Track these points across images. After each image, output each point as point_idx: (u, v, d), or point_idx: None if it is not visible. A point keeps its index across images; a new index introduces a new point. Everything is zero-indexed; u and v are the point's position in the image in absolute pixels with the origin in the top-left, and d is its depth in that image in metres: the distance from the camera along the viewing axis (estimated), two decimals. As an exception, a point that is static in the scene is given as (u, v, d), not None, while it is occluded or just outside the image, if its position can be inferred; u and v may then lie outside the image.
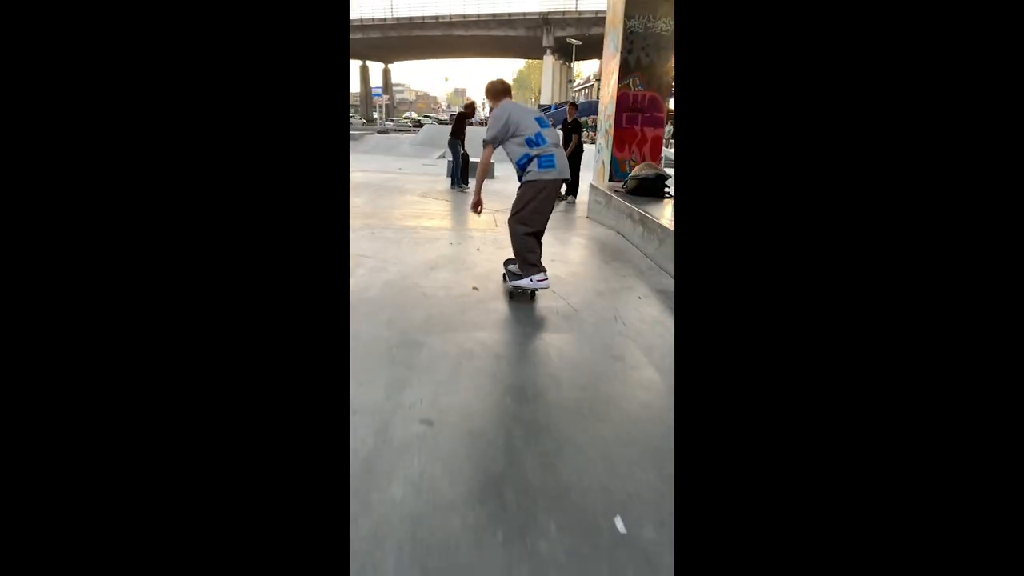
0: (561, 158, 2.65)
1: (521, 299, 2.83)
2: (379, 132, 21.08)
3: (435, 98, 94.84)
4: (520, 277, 2.74)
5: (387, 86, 54.12)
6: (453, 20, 36.90)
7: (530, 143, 2.59)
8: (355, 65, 53.87)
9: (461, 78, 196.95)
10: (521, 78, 71.35)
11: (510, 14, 35.10)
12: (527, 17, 34.72)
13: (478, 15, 36.01)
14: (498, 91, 2.77)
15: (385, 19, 38.93)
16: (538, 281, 2.68)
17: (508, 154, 2.69)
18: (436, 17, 37.37)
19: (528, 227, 2.67)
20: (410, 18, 38.19)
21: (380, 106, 36.81)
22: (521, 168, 2.65)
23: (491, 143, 2.67)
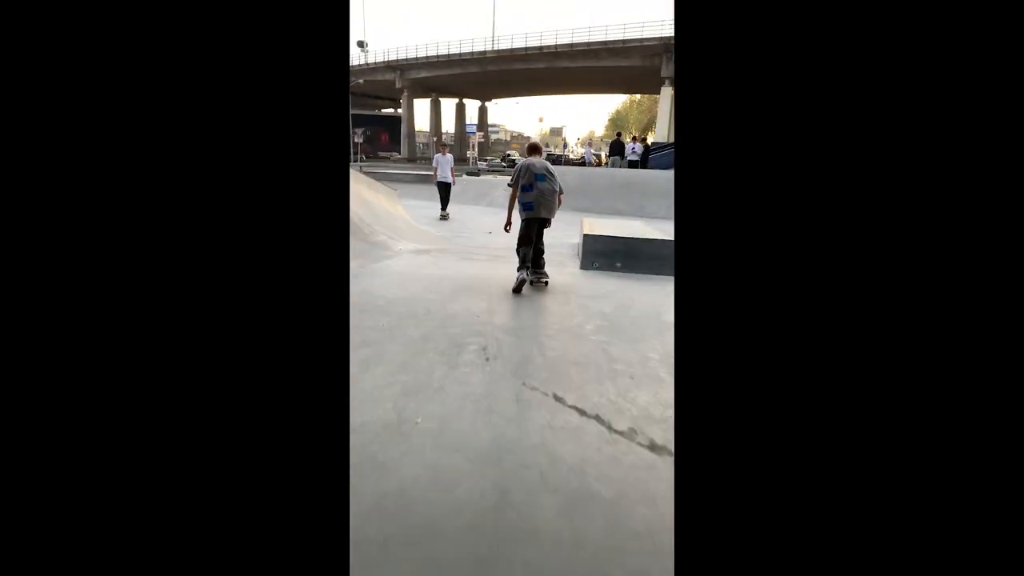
0: (539, 200, 4.00)
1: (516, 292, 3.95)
2: (468, 175, 17.27)
3: (529, 138, 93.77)
4: (520, 274, 4.05)
5: (483, 124, 52.26)
6: (559, 50, 33.71)
7: (523, 188, 4.03)
8: (452, 103, 52.73)
9: (555, 117, 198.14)
10: (618, 117, 67.28)
11: (625, 41, 31.18)
12: (644, 44, 30.52)
13: (588, 43, 32.46)
14: (532, 149, 4.47)
15: (484, 52, 36.62)
16: (521, 276, 4.04)
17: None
18: (540, 48, 34.42)
19: (521, 245, 4.10)
20: (511, 50, 35.59)
21: (473, 144, 33.99)
22: (518, 203, 4.11)
23: (512, 186, 4.15)
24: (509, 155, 38.12)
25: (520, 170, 4.09)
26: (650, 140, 30.85)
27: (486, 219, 9.69)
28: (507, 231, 4.37)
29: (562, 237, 7.91)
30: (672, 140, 29.27)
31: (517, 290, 4.02)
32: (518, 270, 4.11)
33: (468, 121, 49.90)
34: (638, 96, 59.69)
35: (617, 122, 67.68)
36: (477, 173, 19.26)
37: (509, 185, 4.16)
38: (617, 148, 14.04)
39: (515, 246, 4.18)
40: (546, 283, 4.24)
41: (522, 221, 4.13)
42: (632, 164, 13.80)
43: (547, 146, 67.06)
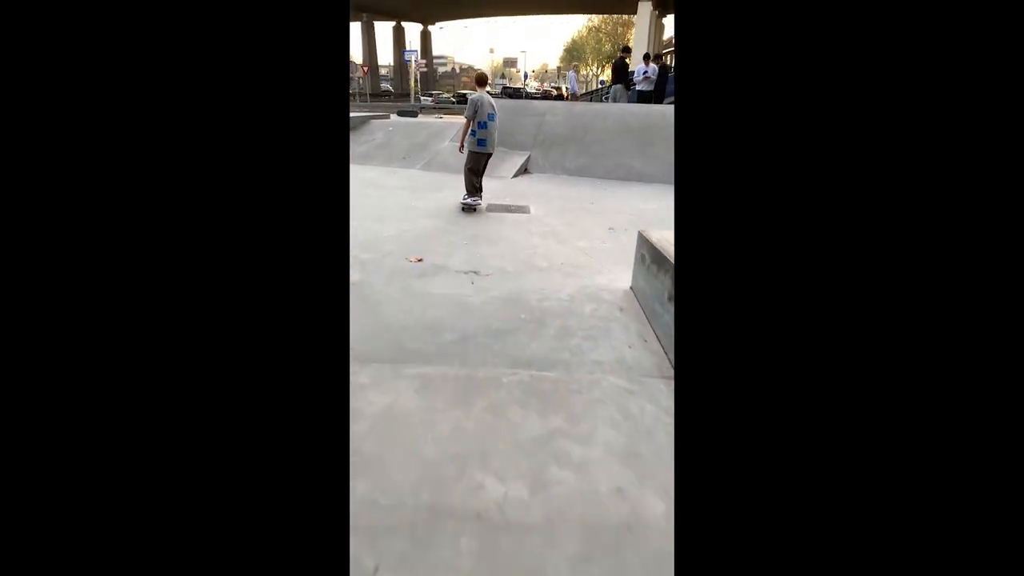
0: (492, 138, 4.92)
1: (468, 211, 4.96)
2: (401, 114, 12.21)
3: (480, 71, 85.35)
4: (467, 199, 5.04)
5: (426, 52, 45.34)
6: (514, -46, 27.45)
7: (480, 124, 4.81)
8: (388, 27, 45.36)
9: (506, 47, 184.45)
10: (574, 47, 60.73)
11: (596, -58, 25.35)
12: (620, -55, 24.93)
13: (550, -55, 26.41)
14: (481, 80, 5.18)
15: (423, -42, 29.94)
16: (473, 201, 5.01)
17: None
18: (491, -49, 28.02)
19: (471, 172, 5.00)
20: (456, -46, 28.99)
21: (414, 73, 28.13)
22: (472, 136, 4.88)
23: (468, 117, 4.86)
24: (462, 93, 32.83)
25: (478, 103, 4.76)
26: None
27: (421, 206, 5.17)
28: (461, 152, 5.10)
29: (586, 270, 2.95)
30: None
31: (470, 209, 5.00)
32: (471, 196, 5.03)
33: (409, 48, 42.79)
34: (596, 20, 53.20)
35: (573, 52, 60.97)
36: (414, 112, 13.98)
37: (466, 117, 4.88)
38: (621, 72, 9.36)
39: (464, 176, 5.07)
40: (476, 208, 5.05)
41: (472, 153, 4.95)
42: (643, 97, 9.31)
43: (502, 77, 60.41)
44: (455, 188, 6.08)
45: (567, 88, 11.59)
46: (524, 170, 7.66)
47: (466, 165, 5.03)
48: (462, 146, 4.99)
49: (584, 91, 25.11)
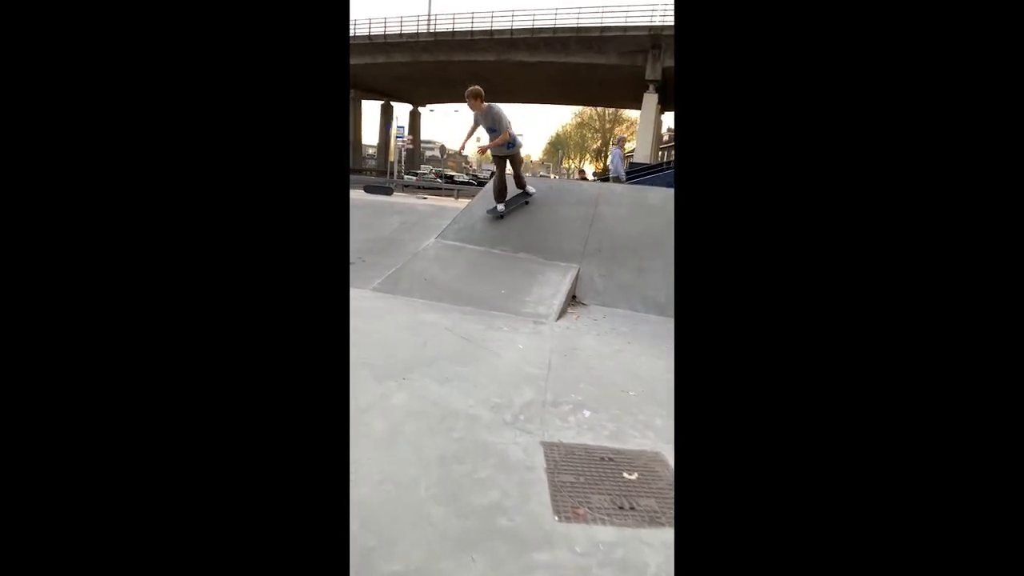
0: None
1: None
2: (368, 190, 8.88)
3: (466, 157, 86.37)
4: (526, 197, 5.45)
5: (414, 131, 43.86)
6: (515, 37, 26.39)
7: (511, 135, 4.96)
8: (375, 106, 44.16)
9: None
10: (558, 141, 60.67)
11: (602, 28, 24.18)
12: (628, 34, 23.78)
13: (554, 30, 25.24)
14: (481, 95, 4.70)
15: (417, 35, 28.64)
16: (530, 191, 5.49)
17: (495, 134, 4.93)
18: (490, 33, 26.89)
19: (518, 171, 5.42)
20: (452, 34, 27.83)
21: (401, 150, 25.69)
22: (508, 147, 5.14)
23: (506, 127, 4.96)
24: (450, 175, 30.63)
25: (503, 112, 4.96)
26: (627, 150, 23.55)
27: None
28: (481, 155, 5.75)
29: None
30: (660, 160, 22.80)
31: (523, 205, 5.42)
32: (527, 190, 5.48)
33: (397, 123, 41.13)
34: (584, 114, 53.08)
35: (557, 146, 60.89)
36: (388, 190, 10.63)
37: (505, 128, 4.95)
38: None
39: (515, 181, 5.37)
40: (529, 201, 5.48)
41: (515, 154, 5.27)
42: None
43: (481, 165, 59.49)
44: (450, 347, 2.39)
45: (611, 168, 8.22)
46: (572, 299, 4.11)
47: (513, 171, 5.27)
48: (483, 149, 5.32)
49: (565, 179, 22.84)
